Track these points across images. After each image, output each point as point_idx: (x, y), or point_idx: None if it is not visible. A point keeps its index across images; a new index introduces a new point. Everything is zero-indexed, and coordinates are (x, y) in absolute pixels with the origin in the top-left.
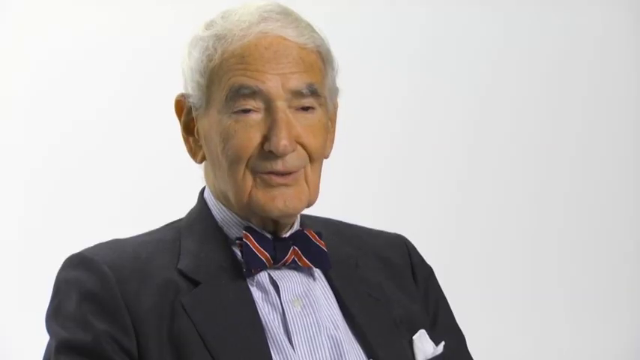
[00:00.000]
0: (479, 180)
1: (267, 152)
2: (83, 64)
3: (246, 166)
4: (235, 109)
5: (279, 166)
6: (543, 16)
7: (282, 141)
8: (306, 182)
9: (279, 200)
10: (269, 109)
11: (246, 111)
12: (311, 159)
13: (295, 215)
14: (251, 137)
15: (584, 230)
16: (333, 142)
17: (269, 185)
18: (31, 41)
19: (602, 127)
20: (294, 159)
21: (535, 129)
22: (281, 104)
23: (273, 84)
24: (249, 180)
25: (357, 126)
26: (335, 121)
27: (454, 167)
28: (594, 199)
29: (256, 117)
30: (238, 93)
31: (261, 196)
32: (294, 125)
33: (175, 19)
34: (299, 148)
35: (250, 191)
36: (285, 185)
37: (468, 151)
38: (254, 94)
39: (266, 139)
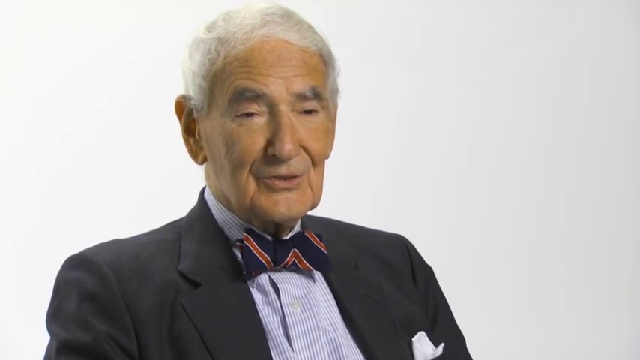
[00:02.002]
0: (479, 180)
1: (270, 157)
2: (83, 64)
3: (250, 170)
4: (239, 113)
5: (283, 170)
6: (543, 16)
7: (286, 146)
8: (310, 186)
9: (282, 205)
10: (272, 112)
11: (250, 114)
12: (314, 163)
13: (298, 219)
14: (255, 141)
15: (584, 230)
16: (333, 142)
17: (272, 190)
18: (31, 41)
19: (602, 127)
20: (298, 163)
21: (535, 129)
22: (284, 108)
23: (276, 87)
24: (251, 185)
25: (357, 126)
26: (335, 121)
27: (454, 167)
28: (594, 199)
29: (259, 121)
30: (242, 96)
31: (264, 201)
32: (297, 129)
33: (175, 19)
34: (302, 152)
35: (253, 196)
36: (288, 190)
37: (468, 151)
38: (257, 97)
39: (270, 143)
